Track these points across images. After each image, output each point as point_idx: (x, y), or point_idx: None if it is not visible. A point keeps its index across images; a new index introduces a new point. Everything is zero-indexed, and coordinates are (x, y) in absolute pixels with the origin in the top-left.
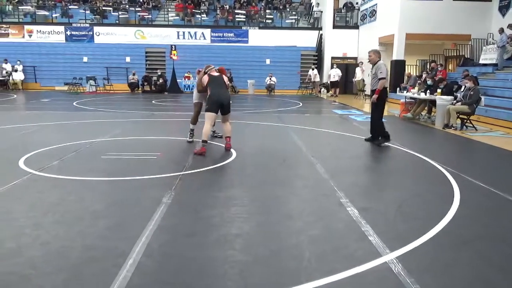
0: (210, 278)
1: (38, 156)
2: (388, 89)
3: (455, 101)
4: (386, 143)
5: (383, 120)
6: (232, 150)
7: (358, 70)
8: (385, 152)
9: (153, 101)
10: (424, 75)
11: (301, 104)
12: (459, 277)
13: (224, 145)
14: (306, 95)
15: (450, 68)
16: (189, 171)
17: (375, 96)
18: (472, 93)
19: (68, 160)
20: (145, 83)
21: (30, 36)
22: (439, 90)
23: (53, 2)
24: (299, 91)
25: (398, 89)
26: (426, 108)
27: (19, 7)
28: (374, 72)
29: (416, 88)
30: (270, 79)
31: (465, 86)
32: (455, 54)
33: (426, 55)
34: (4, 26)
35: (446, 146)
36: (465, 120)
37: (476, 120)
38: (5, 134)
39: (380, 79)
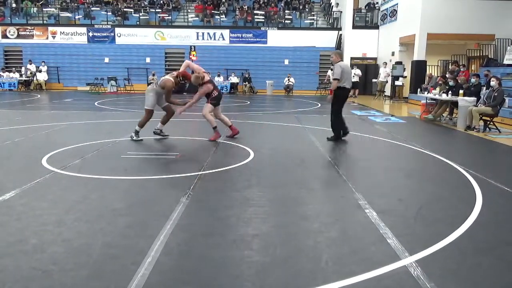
0: (227, 278)
1: (61, 155)
2: (348, 92)
3: (477, 103)
4: (331, 140)
5: (340, 117)
6: (250, 150)
7: (382, 70)
8: (405, 154)
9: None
10: (447, 75)
11: (319, 105)
12: (481, 283)
13: (229, 135)
14: (325, 95)
15: (473, 68)
16: (207, 171)
17: (330, 96)
18: (496, 94)
19: (90, 159)
20: None
21: (53, 37)
22: (461, 91)
23: (76, 4)
24: (317, 91)
25: (419, 90)
26: (447, 109)
27: (44, 9)
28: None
29: (438, 89)
30: (289, 79)
31: (491, 87)
32: (478, 55)
33: (448, 55)
34: (29, 27)
35: (468, 148)
36: (488, 122)
37: (500, 122)
38: (29, 133)
39: (334, 79)
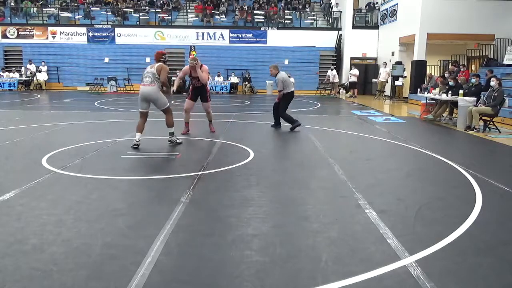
0: (226, 278)
1: (61, 155)
2: (293, 93)
3: (477, 103)
4: (297, 127)
5: (286, 112)
6: (250, 150)
7: (382, 70)
8: (405, 154)
9: (172, 102)
10: (446, 75)
11: (319, 105)
12: (481, 283)
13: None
14: (325, 96)
15: (473, 68)
16: (207, 171)
17: (276, 101)
18: (496, 94)
19: (90, 159)
20: None
21: (53, 37)
22: (461, 91)
23: (76, 4)
24: (317, 91)
25: (419, 90)
26: (447, 109)
27: (43, 9)
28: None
29: (437, 89)
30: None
31: (490, 87)
32: (478, 55)
33: (448, 55)
34: (29, 27)
35: (468, 148)
36: (488, 122)
37: (500, 122)
38: (29, 133)
39: (278, 91)
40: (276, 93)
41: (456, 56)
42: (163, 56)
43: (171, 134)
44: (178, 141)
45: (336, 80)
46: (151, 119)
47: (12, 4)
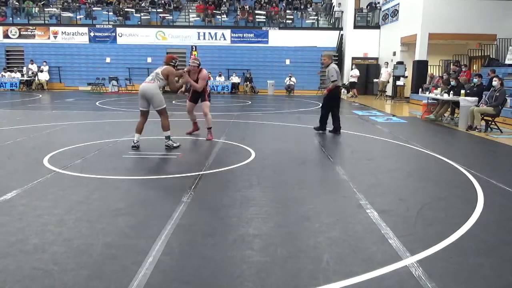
0: (227, 278)
1: (62, 155)
2: (340, 88)
3: (479, 103)
4: (320, 131)
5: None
6: (251, 150)
7: (384, 70)
8: (406, 154)
9: (173, 102)
10: (445, 76)
11: (320, 105)
12: (483, 283)
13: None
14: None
15: (474, 68)
16: (209, 171)
17: (325, 92)
18: (498, 94)
19: (91, 159)
20: None
21: (55, 37)
22: (463, 91)
23: (77, 4)
24: (318, 91)
25: (420, 90)
26: (449, 109)
27: (45, 9)
28: (327, 74)
29: (439, 89)
30: (290, 79)
31: (492, 87)
32: (480, 55)
33: (450, 55)
34: (31, 27)
35: (470, 148)
36: (489, 122)
37: (502, 122)
38: (31, 133)
39: (332, 81)
40: (278, 93)
41: (457, 56)
42: (173, 61)
43: (167, 138)
44: (175, 145)
45: None
46: (153, 119)
47: (16, 3)
